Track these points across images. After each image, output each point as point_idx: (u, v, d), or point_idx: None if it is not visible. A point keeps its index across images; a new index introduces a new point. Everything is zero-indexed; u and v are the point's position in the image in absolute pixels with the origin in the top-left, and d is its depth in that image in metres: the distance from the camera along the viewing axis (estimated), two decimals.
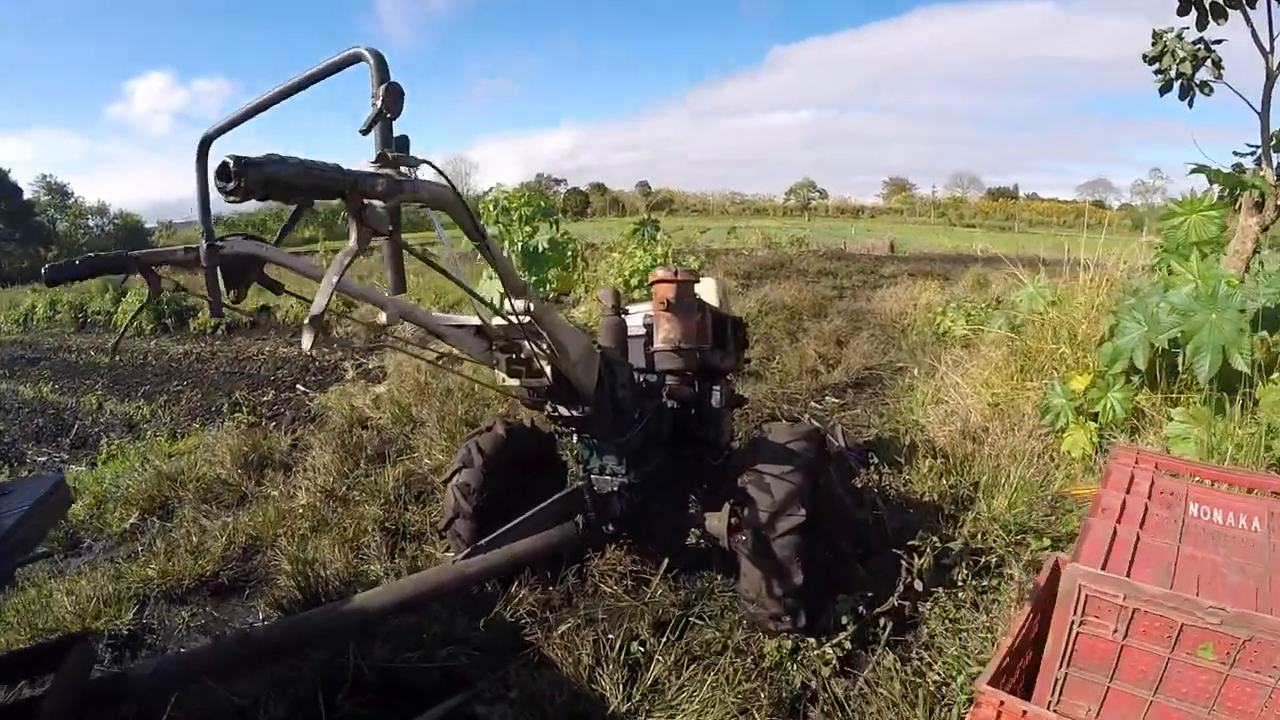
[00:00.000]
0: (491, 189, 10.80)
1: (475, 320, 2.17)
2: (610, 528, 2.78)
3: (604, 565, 3.15)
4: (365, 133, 1.34)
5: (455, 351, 2.30)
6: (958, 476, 3.79)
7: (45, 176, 43.32)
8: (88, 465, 4.98)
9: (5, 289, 17.46)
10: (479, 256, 1.76)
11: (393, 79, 1.31)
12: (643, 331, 3.14)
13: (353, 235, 1.28)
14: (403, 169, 1.32)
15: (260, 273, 1.74)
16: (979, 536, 3.23)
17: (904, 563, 2.78)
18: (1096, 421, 4.04)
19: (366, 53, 1.34)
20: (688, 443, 3.15)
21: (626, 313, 3.21)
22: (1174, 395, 3.97)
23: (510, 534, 2.52)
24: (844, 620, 2.62)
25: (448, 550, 3.11)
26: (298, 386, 7.67)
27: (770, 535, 2.47)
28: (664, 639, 2.64)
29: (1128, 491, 1.91)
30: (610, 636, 2.63)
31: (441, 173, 1.44)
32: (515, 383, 2.34)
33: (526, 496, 2.98)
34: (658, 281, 2.89)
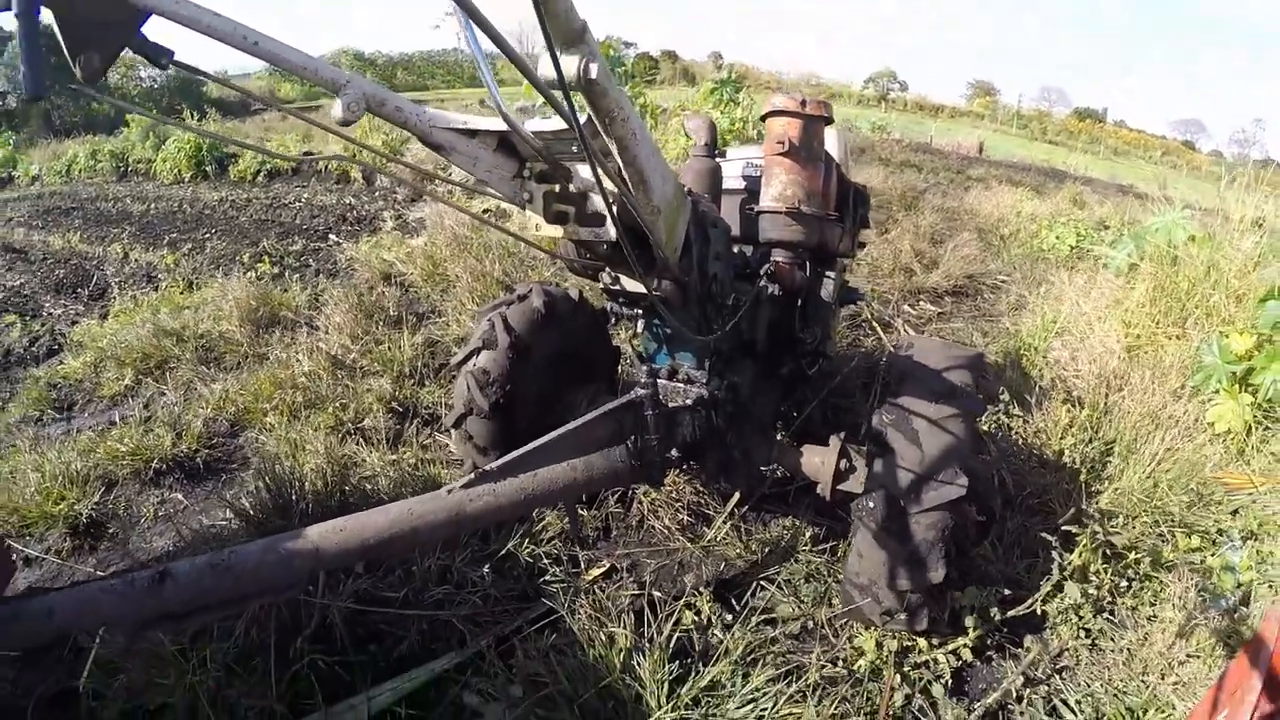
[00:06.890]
0: None
1: (497, 123, 1.29)
2: (674, 455, 1.99)
3: (655, 492, 2.56)
4: None
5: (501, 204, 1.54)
6: (1092, 432, 3.06)
7: None
8: (99, 318, 4.56)
9: (60, 141, 16.74)
10: None
11: None
12: (741, 186, 2.34)
13: None
14: None
15: (136, 32, 0.90)
16: (1120, 520, 2.56)
17: (1055, 554, 2.13)
18: (1254, 396, 3.21)
19: None
20: (785, 347, 2.39)
21: (723, 154, 2.39)
22: None
23: (532, 458, 1.71)
24: (966, 622, 2.01)
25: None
26: (330, 235, 7.09)
27: (912, 508, 1.76)
28: (727, 612, 2.07)
29: None
30: (658, 595, 2.08)
31: None
32: (558, 231, 1.50)
33: (565, 395, 2.30)
34: (775, 114, 2.07)
